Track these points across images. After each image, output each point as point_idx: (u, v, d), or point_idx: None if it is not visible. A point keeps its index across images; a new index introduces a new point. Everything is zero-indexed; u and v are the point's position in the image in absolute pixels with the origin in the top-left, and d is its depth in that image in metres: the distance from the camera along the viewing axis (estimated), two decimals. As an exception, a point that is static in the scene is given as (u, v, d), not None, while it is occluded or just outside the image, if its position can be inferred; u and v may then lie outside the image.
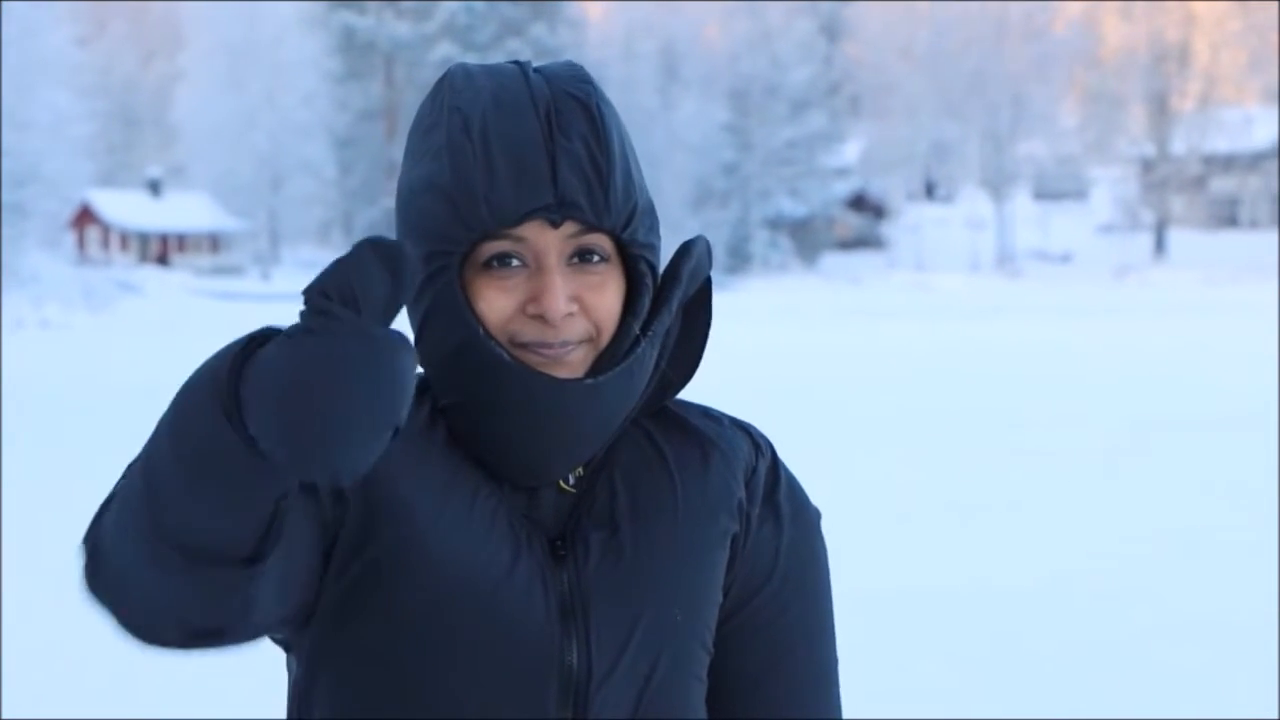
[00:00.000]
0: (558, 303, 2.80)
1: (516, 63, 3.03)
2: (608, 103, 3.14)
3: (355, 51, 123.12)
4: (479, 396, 2.82)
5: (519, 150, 2.86)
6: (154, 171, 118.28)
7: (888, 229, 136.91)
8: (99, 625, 6.71)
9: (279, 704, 5.36)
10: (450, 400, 2.81)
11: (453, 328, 2.81)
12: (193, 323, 65.35)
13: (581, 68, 3.14)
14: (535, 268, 2.83)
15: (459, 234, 2.83)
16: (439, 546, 2.79)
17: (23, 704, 7.72)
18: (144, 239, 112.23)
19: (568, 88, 3.03)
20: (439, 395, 2.88)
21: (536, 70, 3.06)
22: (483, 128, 2.88)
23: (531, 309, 2.81)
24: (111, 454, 21.65)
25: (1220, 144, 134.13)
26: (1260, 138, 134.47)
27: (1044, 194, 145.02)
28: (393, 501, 2.81)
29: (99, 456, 23.06)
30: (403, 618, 2.77)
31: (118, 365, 41.29)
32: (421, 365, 2.81)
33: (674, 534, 2.97)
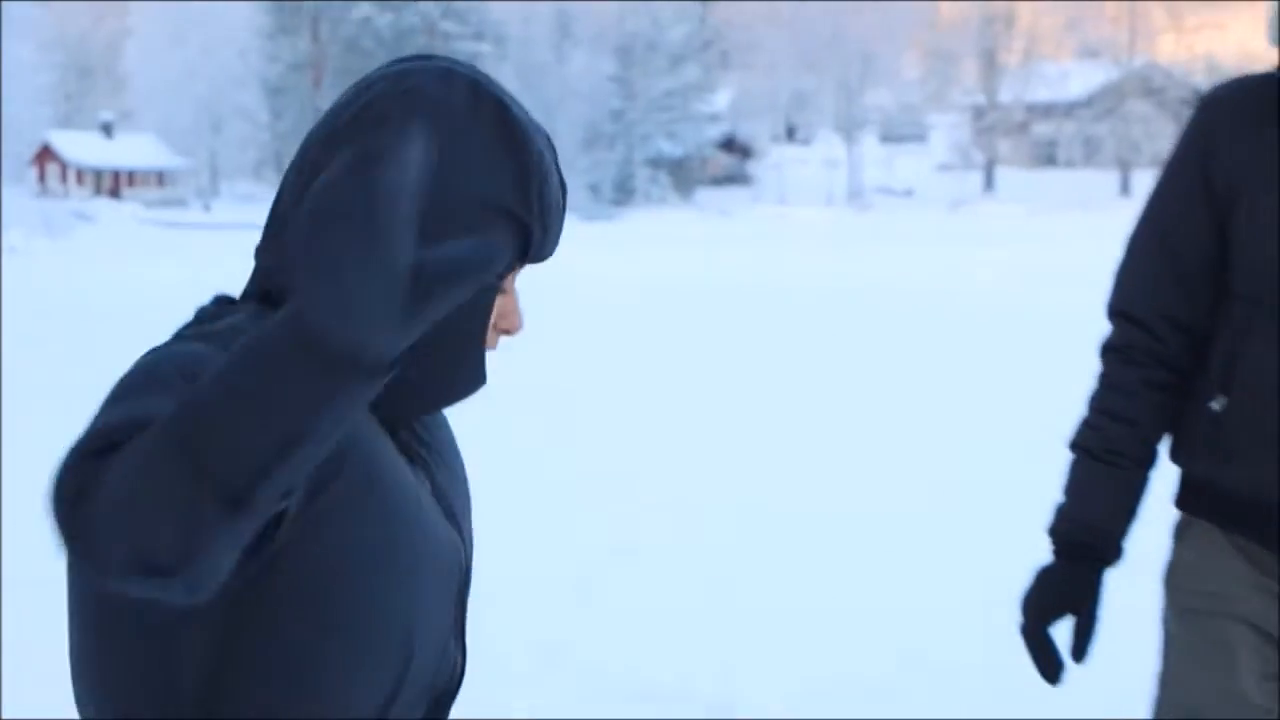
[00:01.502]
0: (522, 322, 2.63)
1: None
2: None
3: (284, 10, 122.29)
4: (440, 382, 2.57)
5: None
6: (106, 115, 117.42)
7: (753, 167, 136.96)
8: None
9: None
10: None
11: (465, 331, 2.52)
12: (141, 248, 64.66)
13: None
14: (505, 290, 2.58)
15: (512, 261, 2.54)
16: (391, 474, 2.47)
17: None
18: (98, 174, 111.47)
19: None
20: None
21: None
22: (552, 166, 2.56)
23: (502, 324, 2.60)
24: (74, 363, 21.07)
25: (1041, 94, 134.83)
26: (1075, 89, 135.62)
27: (889, 137, 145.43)
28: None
29: (65, 366, 22.80)
30: (360, 545, 2.39)
31: (77, 285, 40.91)
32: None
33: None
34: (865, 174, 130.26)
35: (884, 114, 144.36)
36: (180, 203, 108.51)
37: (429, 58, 2.54)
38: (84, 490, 2.00)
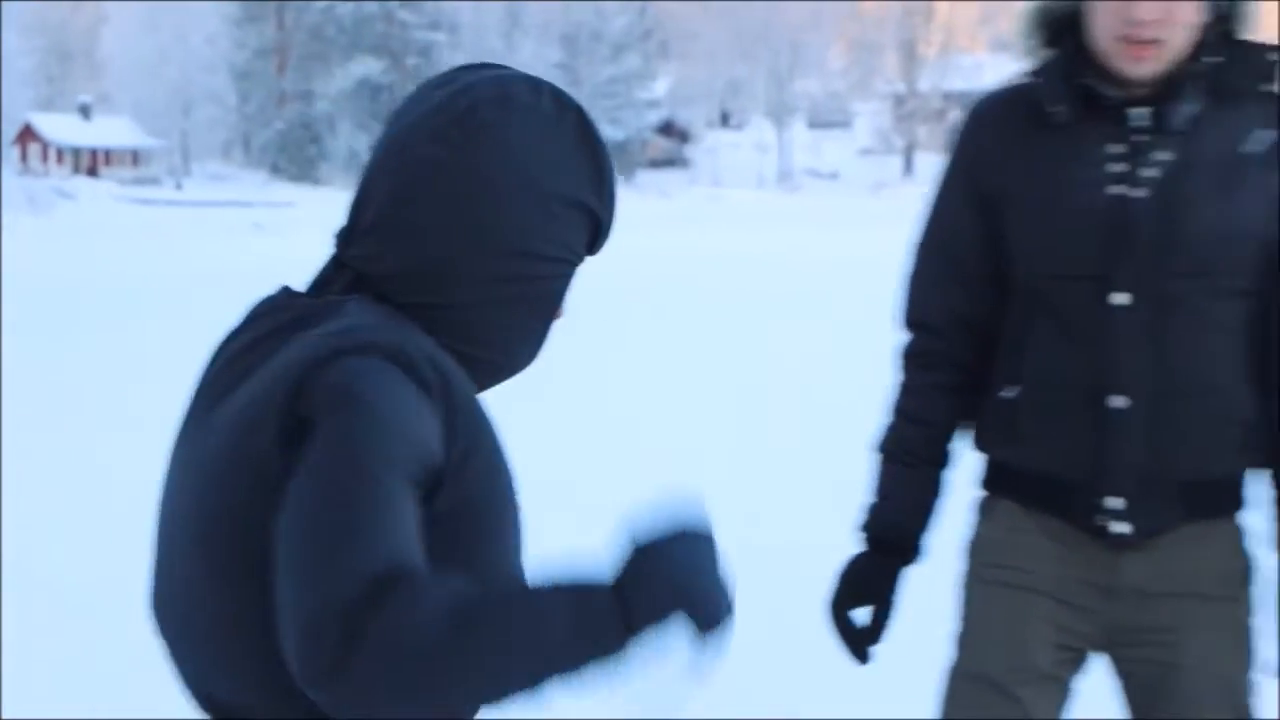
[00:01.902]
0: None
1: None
2: None
3: None
4: (511, 359, 2.65)
5: None
6: (84, 98, 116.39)
7: (690, 151, 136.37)
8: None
9: None
10: (479, 354, 2.56)
11: (542, 315, 2.63)
12: (118, 223, 64.01)
13: None
14: None
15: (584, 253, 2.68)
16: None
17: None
18: (77, 154, 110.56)
19: None
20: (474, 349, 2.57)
21: None
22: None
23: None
24: (62, 333, 20.56)
25: (957, 84, 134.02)
26: (988, 79, 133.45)
27: (816, 123, 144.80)
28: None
29: (54, 336, 22.48)
30: (492, 497, 2.47)
31: (60, 258, 40.58)
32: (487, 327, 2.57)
33: None
34: (794, 158, 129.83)
35: (811, 101, 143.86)
36: (154, 181, 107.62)
37: (498, 66, 2.66)
38: (354, 636, 2.08)
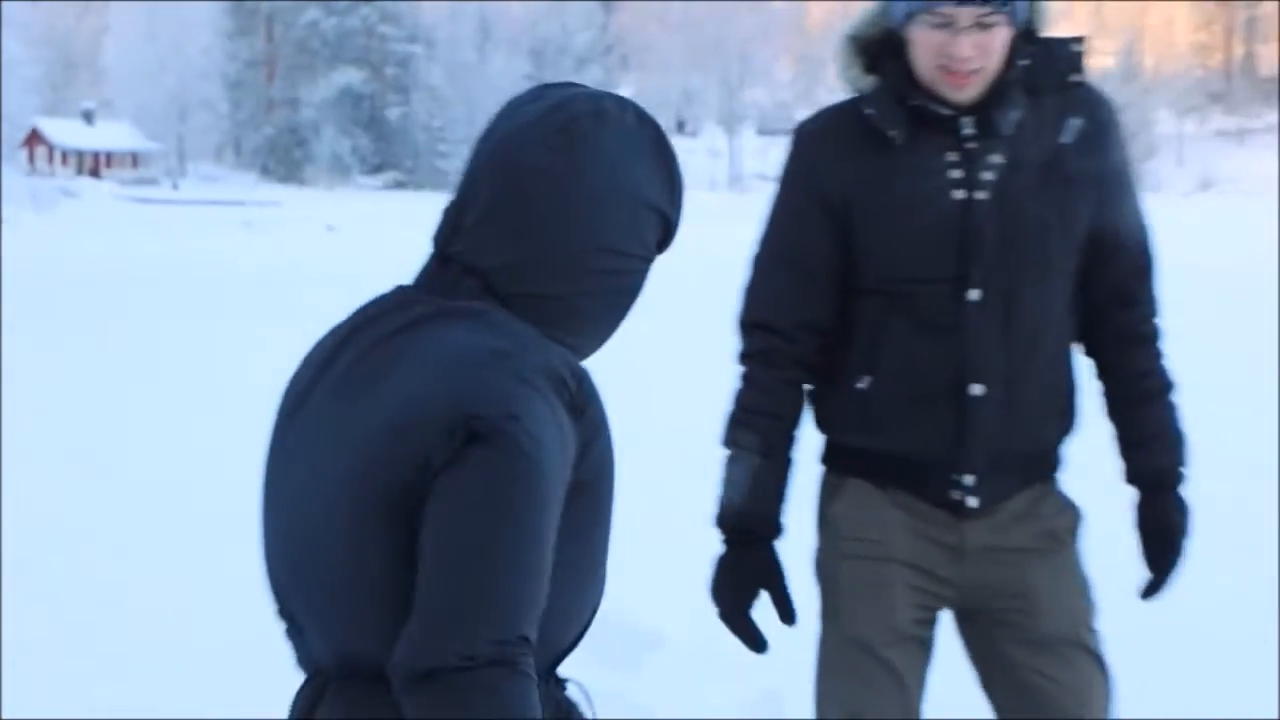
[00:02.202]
0: None
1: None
2: None
3: (243, 13, 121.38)
4: (591, 346, 2.77)
5: None
6: (87, 104, 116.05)
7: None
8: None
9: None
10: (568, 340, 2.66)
11: (622, 306, 2.75)
12: (118, 221, 63.86)
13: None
14: None
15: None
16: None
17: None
18: (80, 156, 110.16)
19: None
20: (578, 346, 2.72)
21: None
22: None
23: None
24: (67, 322, 20.25)
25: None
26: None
27: (765, 130, 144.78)
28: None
29: (59, 325, 22.32)
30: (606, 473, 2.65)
31: (64, 252, 40.39)
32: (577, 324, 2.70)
33: None
34: (744, 162, 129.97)
35: (760, 110, 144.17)
36: (152, 181, 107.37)
37: (583, 86, 2.81)
38: (459, 671, 2.30)
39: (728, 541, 4.02)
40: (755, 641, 3.99)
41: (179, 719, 5.26)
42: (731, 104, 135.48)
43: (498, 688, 2.30)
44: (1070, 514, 4.08)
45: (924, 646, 4.05)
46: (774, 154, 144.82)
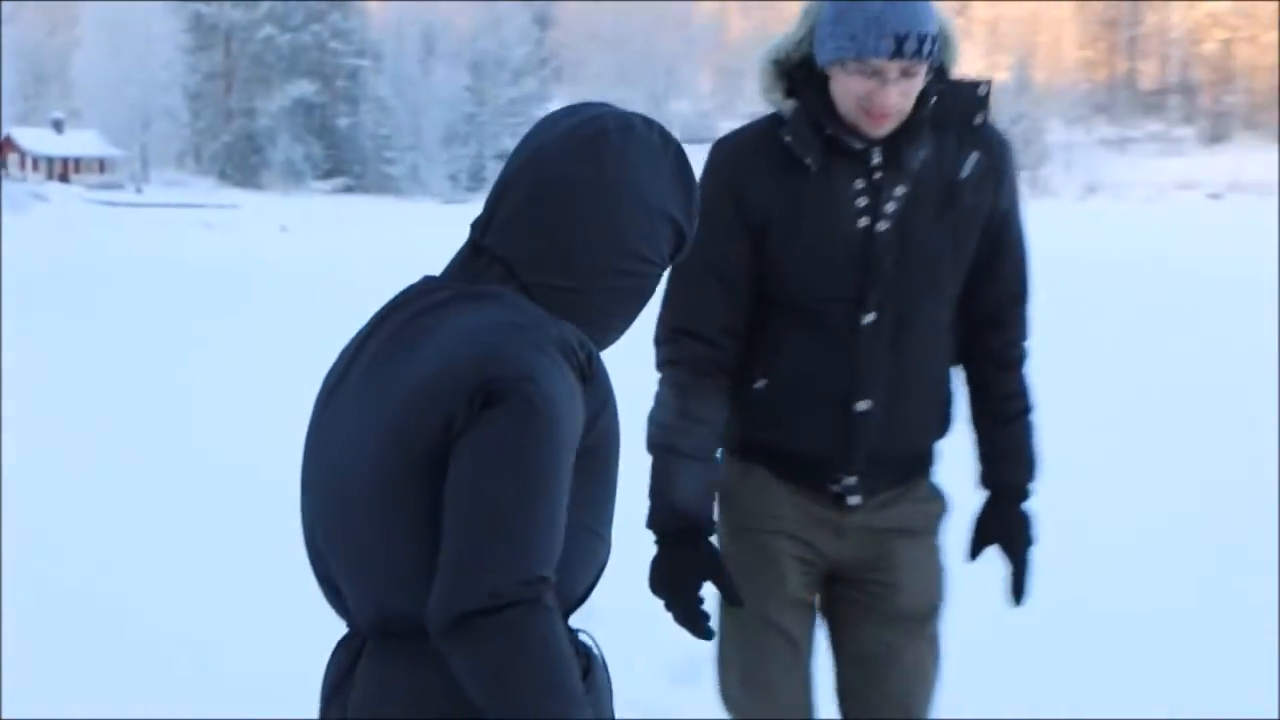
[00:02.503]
0: None
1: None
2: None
3: (203, 30, 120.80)
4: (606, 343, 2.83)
5: None
6: (57, 114, 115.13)
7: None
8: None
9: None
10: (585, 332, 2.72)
11: (634, 309, 2.88)
12: (87, 222, 63.47)
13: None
14: None
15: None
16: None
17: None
18: (50, 162, 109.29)
19: None
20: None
21: None
22: None
23: None
24: (47, 315, 19.72)
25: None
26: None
27: (689, 139, 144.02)
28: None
29: (40, 319, 22.09)
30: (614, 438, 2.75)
31: (38, 251, 40.06)
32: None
33: None
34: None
35: (684, 119, 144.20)
36: (118, 186, 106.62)
37: (611, 106, 2.93)
38: (486, 613, 2.40)
39: (669, 539, 4.00)
40: (704, 630, 3.98)
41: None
42: (657, 114, 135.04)
43: (525, 623, 2.40)
44: (939, 503, 4.17)
45: (810, 610, 4.16)
46: (697, 160, 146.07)
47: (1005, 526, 4.13)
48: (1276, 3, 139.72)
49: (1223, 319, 24.62)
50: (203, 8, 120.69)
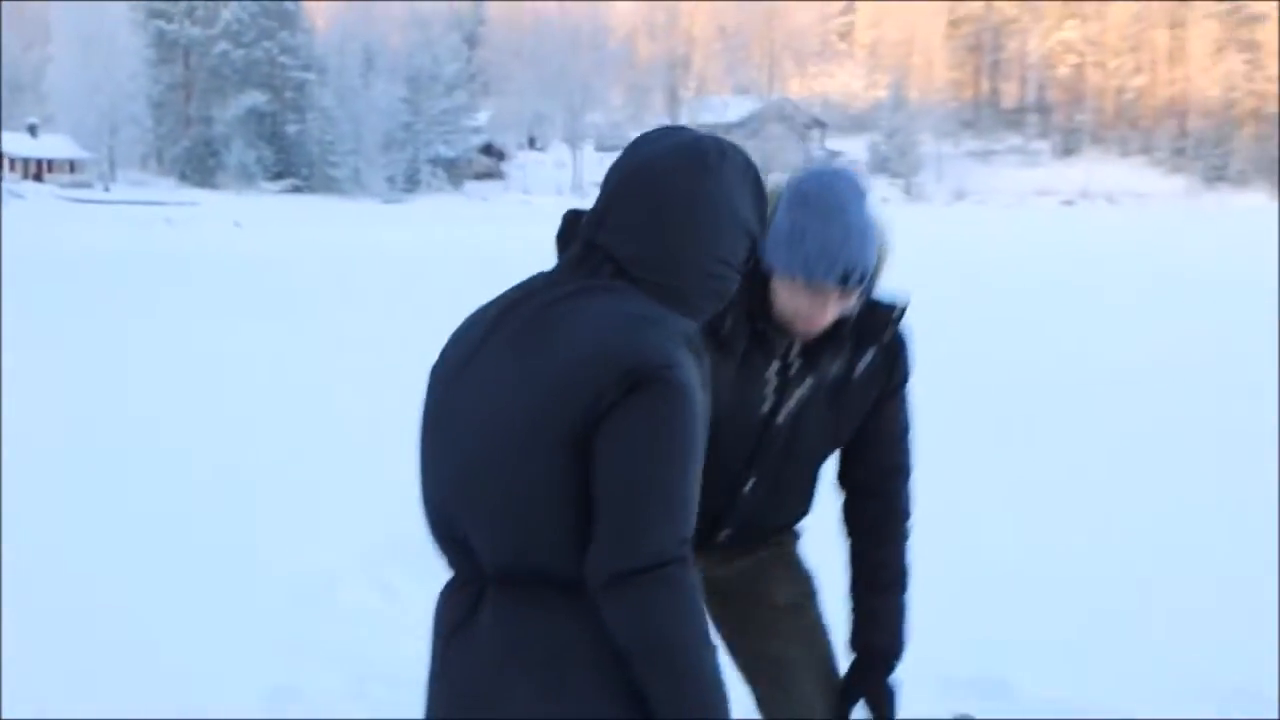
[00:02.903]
0: None
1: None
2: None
3: (164, 45, 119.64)
4: None
5: None
6: (32, 120, 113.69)
7: (505, 167, 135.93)
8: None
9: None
10: None
11: (718, 305, 3.00)
12: (59, 217, 62.84)
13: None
14: None
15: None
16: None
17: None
18: (25, 163, 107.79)
19: None
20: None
21: None
22: None
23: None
24: (34, 301, 19.35)
25: (707, 118, 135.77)
26: (732, 114, 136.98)
27: (602, 147, 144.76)
28: None
29: (28, 306, 21.79)
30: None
31: (18, 241, 39.57)
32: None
33: None
34: (585, 173, 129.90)
35: (598, 129, 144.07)
36: (87, 185, 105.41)
37: (699, 131, 2.98)
38: (643, 572, 2.60)
39: None
40: None
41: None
42: (574, 125, 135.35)
43: (679, 579, 2.60)
44: (796, 537, 4.13)
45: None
46: (609, 165, 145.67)
47: (872, 692, 3.94)
48: (1123, 32, 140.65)
49: (1077, 312, 24.93)
50: (164, 25, 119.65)
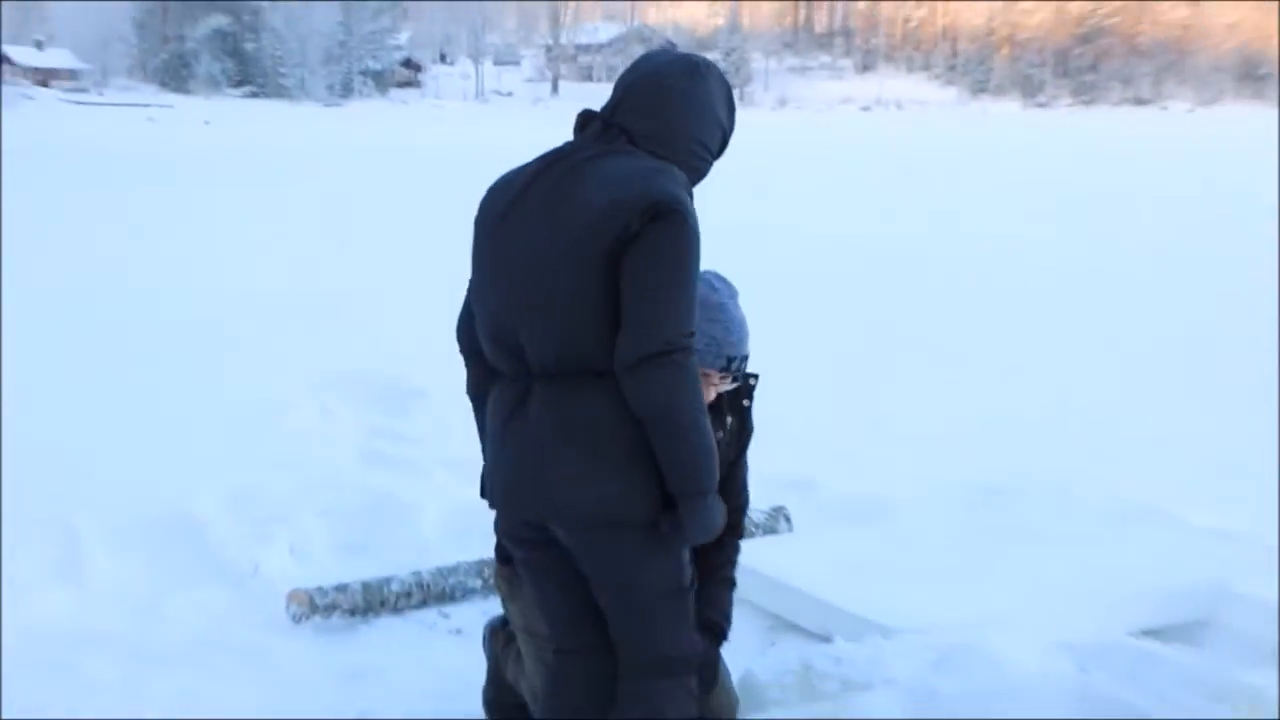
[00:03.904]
0: None
1: None
2: None
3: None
4: None
5: None
6: (38, 37, 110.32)
7: (422, 78, 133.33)
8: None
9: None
10: None
11: (695, 183, 3.10)
12: (62, 116, 61.30)
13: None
14: None
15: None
16: None
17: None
18: (35, 71, 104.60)
19: None
20: None
21: None
22: None
23: None
24: (49, 196, 18.40)
25: (583, 39, 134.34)
26: (602, 36, 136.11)
27: (500, 61, 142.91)
28: None
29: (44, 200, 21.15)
30: None
31: (29, 136, 38.40)
32: None
33: None
34: (486, 82, 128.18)
35: (496, 48, 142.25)
36: (84, 90, 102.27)
37: (676, 48, 3.33)
38: (659, 355, 2.78)
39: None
40: None
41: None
42: (476, 44, 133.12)
43: (683, 364, 2.78)
44: None
45: None
46: (505, 78, 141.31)
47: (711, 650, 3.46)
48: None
49: (869, 193, 25.09)
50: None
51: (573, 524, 2.91)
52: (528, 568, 3.14)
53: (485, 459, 3.12)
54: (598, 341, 2.81)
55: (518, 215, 2.94)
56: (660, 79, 3.01)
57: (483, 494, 3.13)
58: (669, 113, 2.99)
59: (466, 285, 3.12)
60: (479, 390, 3.14)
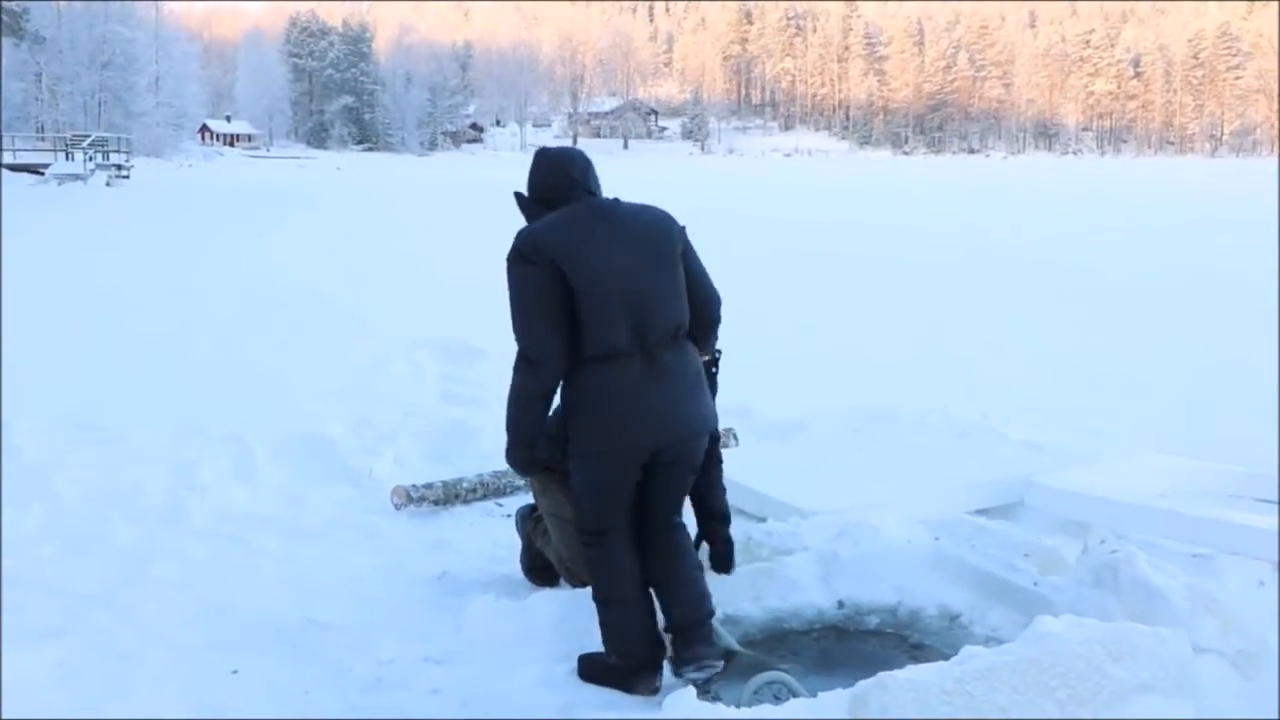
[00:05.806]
0: None
1: None
2: None
3: (298, 70, 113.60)
4: None
5: None
6: (228, 113, 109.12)
7: (484, 136, 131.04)
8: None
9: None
10: None
11: None
12: (242, 165, 60.49)
13: None
14: None
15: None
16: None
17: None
18: (224, 137, 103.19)
19: None
20: None
21: None
22: None
23: None
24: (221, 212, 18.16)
25: (594, 108, 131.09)
26: (607, 107, 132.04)
27: (537, 124, 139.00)
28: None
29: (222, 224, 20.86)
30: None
31: (220, 178, 38.07)
32: None
33: None
34: (527, 138, 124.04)
35: (535, 114, 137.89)
36: (258, 148, 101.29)
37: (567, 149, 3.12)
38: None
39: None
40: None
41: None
42: (520, 112, 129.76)
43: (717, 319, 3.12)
44: None
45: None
46: (541, 135, 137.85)
47: (721, 536, 3.31)
48: (816, 63, 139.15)
49: (791, 209, 24.89)
50: (298, 60, 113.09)
51: (703, 434, 2.96)
52: (622, 471, 2.87)
53: (607, 410, 2.81)
54: (686, 312, 2.93)
55: (615, 243, 2.84)
56: (587, 164, 3.02)
57: (587, 439, 2.84)
58: (592, 180, 3.02)
59: (537, 310, 2.79)
60: (560, 376, 2.85)
